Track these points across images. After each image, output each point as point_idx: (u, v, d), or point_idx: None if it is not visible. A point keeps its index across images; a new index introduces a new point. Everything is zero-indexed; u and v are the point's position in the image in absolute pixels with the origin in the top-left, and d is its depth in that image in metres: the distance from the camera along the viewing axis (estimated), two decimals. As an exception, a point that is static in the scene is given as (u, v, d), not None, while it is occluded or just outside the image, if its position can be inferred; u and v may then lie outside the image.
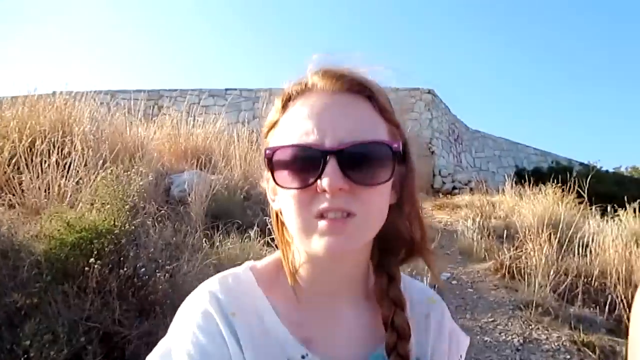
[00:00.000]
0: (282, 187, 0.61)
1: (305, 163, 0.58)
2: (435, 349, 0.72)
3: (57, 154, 4.57)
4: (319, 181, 0.57)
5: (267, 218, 4.95)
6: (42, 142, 4.63)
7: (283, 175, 0.60)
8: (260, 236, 4.34)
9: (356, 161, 0.58)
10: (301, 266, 0.66)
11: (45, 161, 4.44)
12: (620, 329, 4.43)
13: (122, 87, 12.05)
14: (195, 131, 7.88)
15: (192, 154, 7.41)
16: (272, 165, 0.61)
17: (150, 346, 2.76)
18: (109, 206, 3.59)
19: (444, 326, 0.74)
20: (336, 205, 0.58)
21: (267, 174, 0.65)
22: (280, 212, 0.66)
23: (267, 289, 0.66)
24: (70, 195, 4.33)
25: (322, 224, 0.58)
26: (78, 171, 4.33)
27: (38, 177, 4.33)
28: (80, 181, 4.35)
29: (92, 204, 3.80)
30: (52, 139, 4.79)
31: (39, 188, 4.26)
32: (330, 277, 0.65)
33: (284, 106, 0.65)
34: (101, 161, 4.66)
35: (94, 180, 4.36)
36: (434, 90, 11.90)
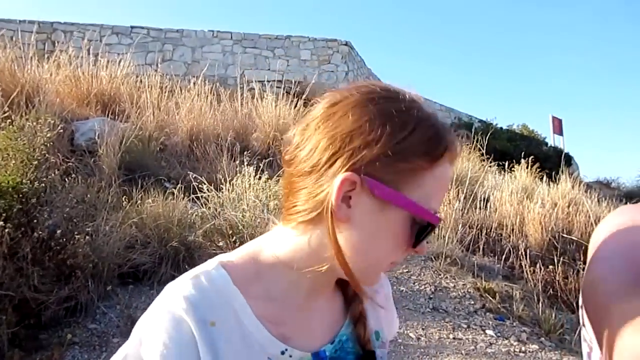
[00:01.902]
0: (413, 245, 0.64)
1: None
2: (388, 321, 0.79)
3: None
4: (423, 240, 0.63)
5: (189, 173, 4.78)
6: None
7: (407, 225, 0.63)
8: (184, 193, 4.18)
9: None
10: (305, 265, 0.64)
11: None
12: (513, 275, 5.02)
13: (6, 16, 10.57)
14: (99, 73, 7.19)
15: (96, 99, 6.80)
16: (414, 219, 0.62)
17: (70, 311, 2.63)
18: (13, 162, 3.22)
19: (389, 296, 0.82)
20: None
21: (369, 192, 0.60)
22: (344, 220, 0.61)
23: (242, 287, 0.63)
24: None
25: (388, 267, 0.66)
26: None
27: None
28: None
29: (-10, 158, 3.38)
30: None
31: None
32: (325, 275, 0.65)
33: (434, 160, 0.61)
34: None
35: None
36: (351, 42, 11.91)
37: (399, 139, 0.59)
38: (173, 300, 0.60)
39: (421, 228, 0.61)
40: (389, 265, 0.65)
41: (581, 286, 0.76)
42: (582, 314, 0.75)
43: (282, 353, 0.63)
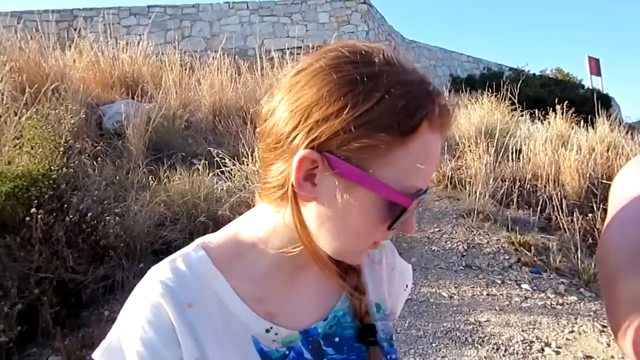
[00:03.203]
0: (389, 227, 0.57)
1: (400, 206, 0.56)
2: (390, 291, 0.74)
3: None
4: (398, 222, 0.57)
5: (213, 149, 4.82)
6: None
7: (374, 206, 0.56)
8: (208, 168, 4.22)
9: None
10: (280, 247, 0.61)
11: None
12: (550, 227, 4.88)
13: (28, 7, 10.75)
14: (121, 55, 7.26)
15: (119, 82, 6.89)
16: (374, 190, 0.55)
17: (107, 290, 2.71)
18: (40, 150, 3.32)
19: (396, 271, 0.77)
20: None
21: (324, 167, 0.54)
22: (309, 199, 0.57)
23: (223, 267, 0.61)
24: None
25: (370, 246, 0.61)
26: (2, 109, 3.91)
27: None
28: (5, 121, 3.95)
29: (19, 147, 3.49)
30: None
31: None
32: (304, 253, 0.60)
33: (405, 133, 0.53)
34: (22, 97, 4.22)
35: (17, 121, 3.98)
36: (369, 0, 11.53)
37: (361, 110, 0.52)
38: (151, 285, 0.59)
39: (394, 209, 0.55)
40: (372, 244, 0.60)
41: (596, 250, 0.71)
42: None
43: (267, 331, 0.61)
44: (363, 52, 0.55)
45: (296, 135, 0.54)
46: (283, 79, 0.59)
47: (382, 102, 0.52)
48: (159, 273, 0.60)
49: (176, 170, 4.22)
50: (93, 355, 0.62)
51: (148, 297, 0.58)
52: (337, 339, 0.66)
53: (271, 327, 0.61)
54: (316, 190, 0.55)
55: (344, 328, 0.67)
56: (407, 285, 0.81)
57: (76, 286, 3.02)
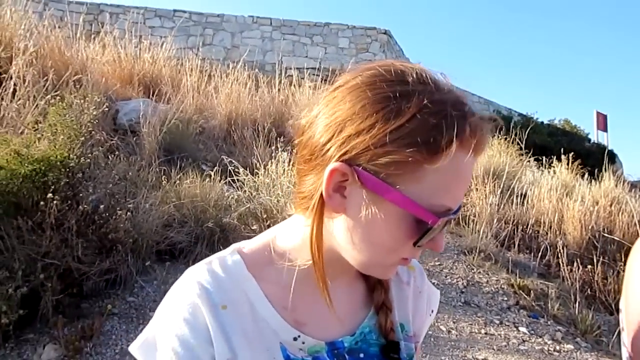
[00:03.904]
0: (415, 244, 0.58)
1: (441, 227, 0.58)
2: (415, 313, 0.75)
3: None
4: (424, 239, 0.58)
5: (225, 157, 4.85)
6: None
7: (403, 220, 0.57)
8: (220, 176, 4.25)
9: None
10: (310, 258, 0.62)
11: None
12: (549, 273, 4.90)
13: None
14: (143, 55, 7.35)
15: (139, 80, 6.96)
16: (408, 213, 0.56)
17: (109, 283, 2.72)
18: (62, 137, 3.34)
19: (423, 294, 0.78)
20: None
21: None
22: (338, 211, 0.59)
23: (257, 274, 0.64)
24: (11, 118, 3.97)
25: (399, 262, 0.62)
26: (23, 94, 3.95)
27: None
28: (24, 104, 3.99)
29: (39, 131, 3.52)
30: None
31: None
32: (333, 265, 0.63)
33: (435, 152, 0.54)
34: (45, 83, 4.27)
35: (35, 106, 4.02)
36: (390, 31, 11.74)
37: (392, 127, 0.53)
38: (188, 285, 0.61)
39: (421, 226, 0.56)
40: (401, 260, 0.61)
41: (622, 290, 0.74)
42: (622, 318, 0.73)
43: (295, 339, 0.63)
44: (399, 71, 0.57)
45: (329, 148, 0.57)
46: (323, 93, 0.62)
47: (413, 120, 0.53)
48: (197, 274, 0.62)
49: (188, 173, 4.24)
50: (130, 349, 0.64)
51: (186, 296, 0.60)
52: (361, 355, 0.67)
53: (299, 336, 0.63)
54: (345, 202, 0.57)
55: (370, 345, 0.68)
56: (432, 311, 0.81)
57: (80, 276, 3.01)
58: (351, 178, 0.56)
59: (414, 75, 0.56)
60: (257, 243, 0.68)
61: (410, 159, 0.53)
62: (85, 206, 3.07)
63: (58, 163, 3.15)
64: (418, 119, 0.53)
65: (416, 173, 0.54)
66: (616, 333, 3.67)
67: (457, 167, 0.55)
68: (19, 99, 4.13)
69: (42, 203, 2.88)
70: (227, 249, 0.67)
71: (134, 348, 0.64)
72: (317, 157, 0.58)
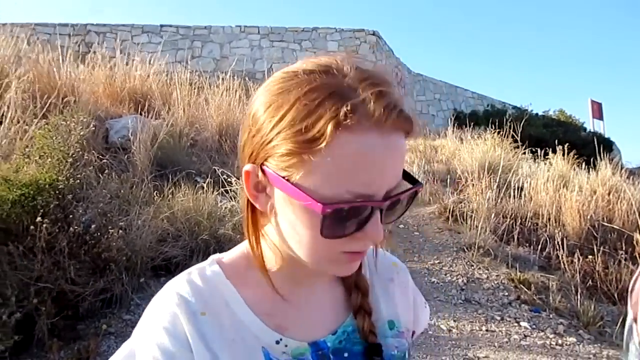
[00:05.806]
0: (326, 236, 0.54)
1: (354, 215, 0.54)
2: (404, 308, 0.75)
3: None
4: (360, 232, 0.54)
5: (218, 168, 4.84)
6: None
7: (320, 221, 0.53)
8: (213, 187, 4.23)
9: (392, 207, 0.57)
10: (277, 263, 0.64)
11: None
12: (549, 266, 4.87)
13: (42, 20, 10.93)
14: (133, 72, 7.36)
15: (129, 97, 6.97)
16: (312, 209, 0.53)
17: (105, 303, 2.70)
18: (49, 159, 3.33)
19: (408, 289, 0.78)
20: (367, 247, 0.59)
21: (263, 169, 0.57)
22: (270, 211, 0.58)
23: (236, 281, 0.65)
24: (1, 146, 3.96)
25: (346, 256, 0.58)
26: (12, 120, 3.95)
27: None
28: (13, 131, 3.99)
29: (28, 157, 3.51)
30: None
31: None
32: (307, 271, 0.63)
33: (313, 141, 0.51)
34: (33, 108, 4.27)
35: (25, 131, 4.00)
36: (379, 32, 11.76)
37: (275, 121, 0.53)
38: (167, 296, 0.62)
39: (317, 216, 0.52)
40: (351, 255, 0.58)
41: (634, 285, 0.74)
42: (637, 310, 0.73)
43: (277, 343, 0.63)
44: (293, 69, 0.57)
45: (244, 151, 0.59)
46: None
47: (291, 111, 0.52)
48: (176, 285, 0.63)
49: (180, 187, 4.23)
50: (112, 358, 0.64)
51: (165, 306, 0.61)
52: (346, 354, 0.67)
53: (281, 339, 0.63)
54: (272, 202, 0.58)
55: (354, 344, 0.68)
56: (425, 304, 0.82)
57: (75, 298, 3.00)
58: (262, 178, 0.57)
59: (304, 67, 0.56)
60: (236, 252, 0.69)
61: (293, 150, 0.52)
62: (76, 227, 3.05)
63: (47, 186, 3.14)
64: (295, 108, 0.52)
65: (305, 164, 0.52)
66: (619, 323, 3.64)
67: (356, 151, 0.51)
68: (10, 128, 4.12)
69: (32, 227, 2.87)
70: (207, 260, 0.68)
71: (118, 358, 0.64)
72: (242, 161, 0.60)
